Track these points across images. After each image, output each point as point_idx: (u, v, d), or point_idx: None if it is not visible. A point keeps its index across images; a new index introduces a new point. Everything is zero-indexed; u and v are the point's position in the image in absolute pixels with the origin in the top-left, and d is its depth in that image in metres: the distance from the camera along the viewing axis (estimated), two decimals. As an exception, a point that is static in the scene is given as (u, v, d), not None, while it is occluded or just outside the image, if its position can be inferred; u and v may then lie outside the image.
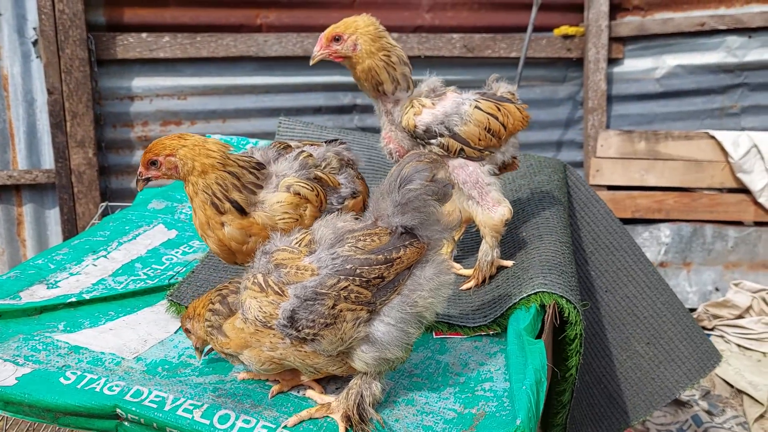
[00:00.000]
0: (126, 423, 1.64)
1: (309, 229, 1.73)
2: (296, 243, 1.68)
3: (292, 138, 3.48)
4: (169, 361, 1.87)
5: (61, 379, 1.73)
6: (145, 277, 2.36)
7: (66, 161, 4.94)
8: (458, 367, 1.88)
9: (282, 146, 2.02)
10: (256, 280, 1.63)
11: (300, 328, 1.59)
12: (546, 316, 1.98)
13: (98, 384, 1.71)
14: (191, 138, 1.82)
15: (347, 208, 2.00)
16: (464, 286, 2.27)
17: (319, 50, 2.09)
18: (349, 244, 1.64)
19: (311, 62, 2.14)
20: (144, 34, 4.99)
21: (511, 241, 2.47)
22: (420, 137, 2.20)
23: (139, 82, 5.12)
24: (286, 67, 5.31)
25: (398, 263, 1.65)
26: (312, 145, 2.10)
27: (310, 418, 1.63)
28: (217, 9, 5.14)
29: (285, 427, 1.60)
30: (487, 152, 2.27)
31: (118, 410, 1.65)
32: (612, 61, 5.38)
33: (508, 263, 2.30)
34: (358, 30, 2.08)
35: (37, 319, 2.06)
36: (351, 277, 1.61)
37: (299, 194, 1.89)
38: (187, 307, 1.81)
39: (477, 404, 1.69)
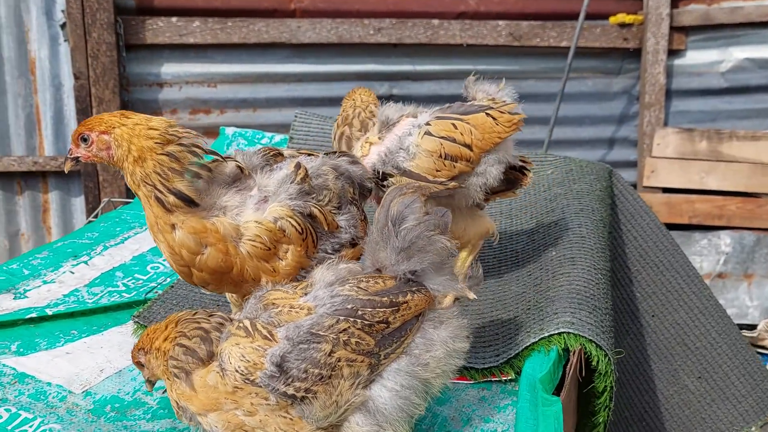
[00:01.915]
0: (57, 475, 1.41)
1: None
2: (292, 287, 1.46)
3: (307, 134, 3.22)
4: (122, 398, 1.62)
5: (-7, 418, 1.51)
6: (123, 288, 2.12)
7: (89, 149, 4.81)
8: (458, 424, 1.57)
9: (271, 153, 1.70)
10: (241, 325, 1.38)
11: (290, 380, 1.32)
12: (569, 365, 1.64)
13: (31, 426, 1.48)
14: (135, 117, 1.52)
15: (344, 258, 1.65)
16: None
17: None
18: (351, 284, 1.43)
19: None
20: (174, 19, 4.83)
21: (538, 261, 2.13)
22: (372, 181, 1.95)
23: (169, 69, 4.98)
24: (319, 55, 5.10)
25: (405, 309, 1.43)
26: (309, 155, 1.77)
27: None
28: (251, -8, 4.94)
29: None
30: (454, 183, 1.95)
31: (47, 461, 1.42)
32: (672, 53, 5.03)
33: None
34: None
35: (-9, 338, 1.86)
36: (352, 319, 1.38)
37: (284, 232, 1.57)
38: (142, 334, 1.50)
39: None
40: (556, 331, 1.67)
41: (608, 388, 1.67)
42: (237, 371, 1.34)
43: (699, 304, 2.78)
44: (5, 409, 1.53)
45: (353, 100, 2.07)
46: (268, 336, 1.35)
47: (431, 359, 1.41)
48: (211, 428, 1.37)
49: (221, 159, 1.56)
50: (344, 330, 1.37)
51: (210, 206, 1.52)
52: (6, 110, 4.78)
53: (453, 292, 1.50)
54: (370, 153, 1.94)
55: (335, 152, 1.85)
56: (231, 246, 1.52)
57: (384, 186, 1.93)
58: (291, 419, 1.35)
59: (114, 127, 1.49)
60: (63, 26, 4.73)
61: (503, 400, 1.64)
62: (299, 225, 1.56)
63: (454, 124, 1.94)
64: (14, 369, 1.72)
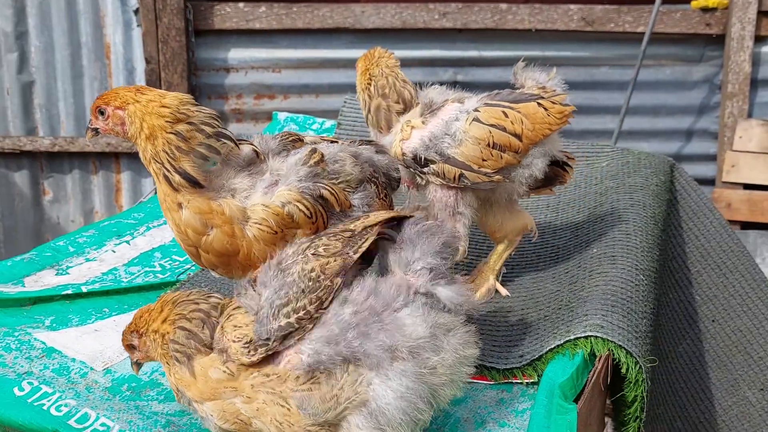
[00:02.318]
0: (69, 450, 1.44)
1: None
2: None
3: (355, 120, 3.18)
4: (139, 378, 1.64)
5: (16, 389, 1.55)
6: (159, 269, 2.16)
7: (158, 131, 4.99)
8: (471, 426, 1.50)
9: (291, 138, 1.67)
10: (237, 305, 1.41)
11: (275, 312, 1.32)
12: (593, 371, 1.53)
13: (49, 400, 1.52)
14: (150, 93, 1.50)
15: None
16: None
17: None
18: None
19: None
20: (241, 4, 4.89)
21: (577, 258, 2.01)
22: (411, 166, 1.88)
23: (235, 54, 5.06)
24: (383, 40, 5.03)
25: (367, 219, 1.47)
26: (332, 142, 1.73)
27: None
28: (316, -23, 4.95)
29: None
30: (499, 176, 1.86)
31: (59, 435, 1.45)
32: (760, 39, 4.69)
33: None
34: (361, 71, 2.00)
35: (28, 311, 1.92)
36: (315, 239, 1.44)
37: (292, 217, 1.53)
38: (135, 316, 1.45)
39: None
40: (583, 335, 1.57)
41: (638, 398, 1.55)
42: (234, 341, 1.33)
43: (765, 310, 2.57)
44: (28, 382, 1.59)
45: (378, 65, 1.97)
46: (250, 292, 1.38)
47: (439, 364, 1.35)
48: (206, 416, 1.36)
49: (235, 142, 1.54)
50: (308, 246, 1.40)
51: (219, 187, 1.50)
52: (83, 93, 4.99)
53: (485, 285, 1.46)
54: (412, 137, 1.87)
55: (361, 140, 1.81)
56: (237, 228, 1.49)
57: (423, 173, 1.87)
58: (288, 410, 1.32)
59: (128, 103, 1.49)
60: (136, 12, 4.88)
61: (522, 404, 1.55)
62: (308, 209, 1.52)
63: (504, 112, 1.85)
64: (44, 343, 1.78)
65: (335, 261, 1.37)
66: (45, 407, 1.50)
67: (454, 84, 5.41)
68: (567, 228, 2.26)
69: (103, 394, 1.59)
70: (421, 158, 1.85)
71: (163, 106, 1.47)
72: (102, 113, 1.52)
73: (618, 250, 1.93)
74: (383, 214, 1.48)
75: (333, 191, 1.57)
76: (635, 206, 2.17)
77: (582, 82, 5.03)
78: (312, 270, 1.36)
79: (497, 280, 1.99)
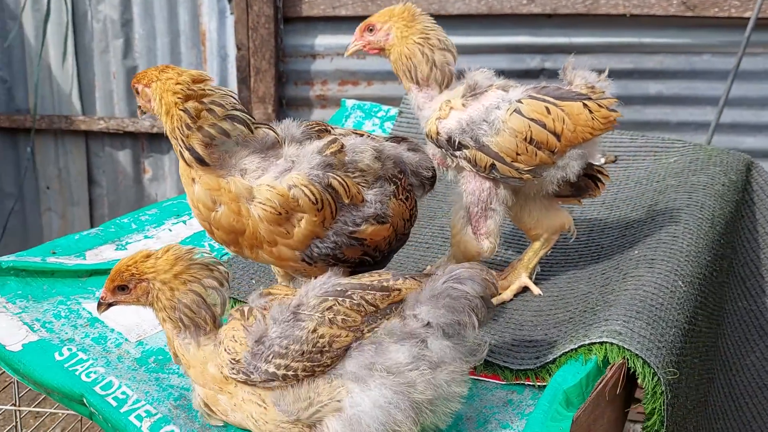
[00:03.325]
0: (95, 414, 1.56)
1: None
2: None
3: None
4: (166, 352, 1.74)
5: (56, 354, 1.69)
6: (207, 249, 2.25)
7: (246, 116, 5.18)
8: (472, 424, 1.47)
9: (317, 128, 1.69)
10: (240, 309, 1.46)
11: (270, 356, 1.34)
12: (602, 379, 1.46)
13: (83, 366, 1.64)
14: (171, 71, 1.55)
15: (364, 234, 1.61)
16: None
17: (353, 42, 2.00)
18: (347, 280, 1.45)
19: (346, 54, 2.08)
20: (328, -9, 4.96)
21: (616, 259, 1.91)
22: (443, 147, 1.84)
23: (322, 40, 5.14)
24: (468, 26, 4.96)
25: (396, 296, 1.41)
26: (360, 135, 1.73)
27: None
28: (404, -37, 4.93)
29: None
30: (531, 174, 1.79)
31: (84, 399, 1.56)
32: None
33: None
34: (392, 18, 1.92)
35: (83, 282, 2.08)
36: (341, 299, 1.38)
37: (297, 201, 1.54)
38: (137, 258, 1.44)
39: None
40: (598, 340, 1.49)
41: (656, 412, 1.46)
42: (226, 351, 1.38)
43: None
44: (68, 348, 1.72)
45: (421, 21, 1.91)
46: (260, 318, 1.38)
47: (420, 380, 1.34)
48: (194, 388, 1.44)
49: (250, 127, 1.56)
50: (330, 308, 1.36)
51: (231, 166, 1.54)
52: (180, 78, 5.28)
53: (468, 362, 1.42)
54: (449, 117, 1.83)
55: (393, 137, 1.81)
56: (243, 207, 1.53)
57: (455, 156, 1.84)
58: (264, 408, 1.36)
59: (152, 81, 1.55)
60: (230, 0, 5.08)
61: (529, 407, 1.51)
62: (313, 195, 1.53)
63: (547, 108, 1.79)
64: (90, 313, 1.92)
65: (347, 337, 1.35)
66: (77, 373, 1.63)
67: (540, 71, 5.27)
68: (617, 227, 2.15)
69: (131, 364, 1.70)
70: (455, 141, 1.82)
71: (177, 83, 1.52)
72: (137, 92, 1.61)
73: (660, 253, 1.82)
74: (410, 288, 1.43)
75: (343, 182, 1.57)
76: (691, 206, 2.03)
77: (681, 70, 4.75)
78: (321, 337, 1.35)
79: (531, 278, 1.94)
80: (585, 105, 1.80)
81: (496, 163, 1.79)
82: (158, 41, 5.22)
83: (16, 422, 1.96)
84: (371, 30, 1.92)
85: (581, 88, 1.85)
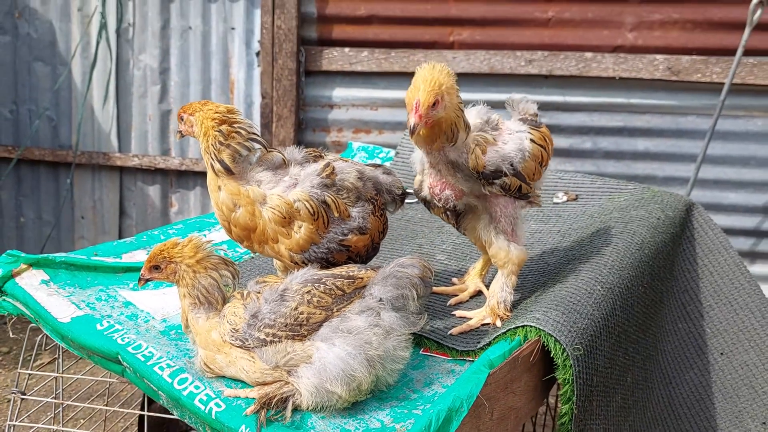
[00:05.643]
0: (127, 369, 1.98)
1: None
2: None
3: (412, 150, 3.61)
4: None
5: (98, 325, 2.12)
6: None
7: (264, 157, 5.64)
8: (419, 384, 1.87)
9: (313, 153, 2.16)
10: (241, 291, 1.89)
11: (261, 326, 1.76)
12: (519, 349, 1.86)
13: (118, 333, 2.07)
14: (210, 104, 2.03)
15: (350, 242, 2.04)
16: (483, 321, 2.16)
17: (418, 122, 1.95)
18: (323, 271, 1.91)
19: (411, 137, 2.03)
20: (346, 49, 5.45)
21: (554, 272, 2.32)
22: (486, 177, 2.07)
23: (339, 92, 5.60)
24: (472, 83, 5.39)
25: (359, 282, 1.85)
26: (344, 161, 2.19)
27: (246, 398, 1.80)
28: (415, 27, 5.42)
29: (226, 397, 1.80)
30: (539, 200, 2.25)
31: (119, 356, 1.99)
32: None
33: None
34: (443, 87, 1.93)
35: (119, 277, 2.52)
36: (317, 285, 1.82)
37: (299, 211, 1.99)
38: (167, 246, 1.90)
39: (404, 420, 1.68)
40: (521, 324, 1.90)
41: (568, 381, 1.84)
42: (228, 323, 1.80)
43: (771, 347, 2.68)
44: (107, 321, 2.16)
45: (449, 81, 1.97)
46: (255, 299, 1.82)
47: (375, 340, 1.75)
48: (197, 351, 1.87)
49: (266, 148, 2.05)
50: (308, 291, 1.79)
51: (250, 178, 2.01)
52: (209, 122, 5.81)
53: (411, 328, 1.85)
54: (488, 152, 2.05)
55: (371, 164, 2.26)
56: (257, 209, 1.99)
57: (493, 183, 2.07)
58: (253, 362, 1.78)
59: (196, 111, 2.05)
60: (257, 54, 5.65)
61: (466, 375, 1.91)
62: (312, 208, 1.99)
63: (543, 136, 2.23)
64: (125, 298, 2.36)
65: (320, 314, 1.77)
66: (114, 338, 2.06)
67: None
68: (563, 250, 2.57)
69: (156, 334, 2.13)
70: (501, 170, 2.07)
71: (216, 112, 2.02)
72: (182, 119, 2.10)
73: (587, 266, 2.23)
74: (369, 276, 1.87)
75: (335, 200, 2.04)
76: (624, 233, 2.44)
77: (667, 129, 5.06)
78: (301, 314, 1.76)
79: (483, 283, 2.35)
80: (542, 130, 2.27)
81: (522, 184, 2.15)
82: (191, 88, 5.78)
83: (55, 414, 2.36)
84: (434, 105, 1.95)
85: (532, 117, 2.30)
